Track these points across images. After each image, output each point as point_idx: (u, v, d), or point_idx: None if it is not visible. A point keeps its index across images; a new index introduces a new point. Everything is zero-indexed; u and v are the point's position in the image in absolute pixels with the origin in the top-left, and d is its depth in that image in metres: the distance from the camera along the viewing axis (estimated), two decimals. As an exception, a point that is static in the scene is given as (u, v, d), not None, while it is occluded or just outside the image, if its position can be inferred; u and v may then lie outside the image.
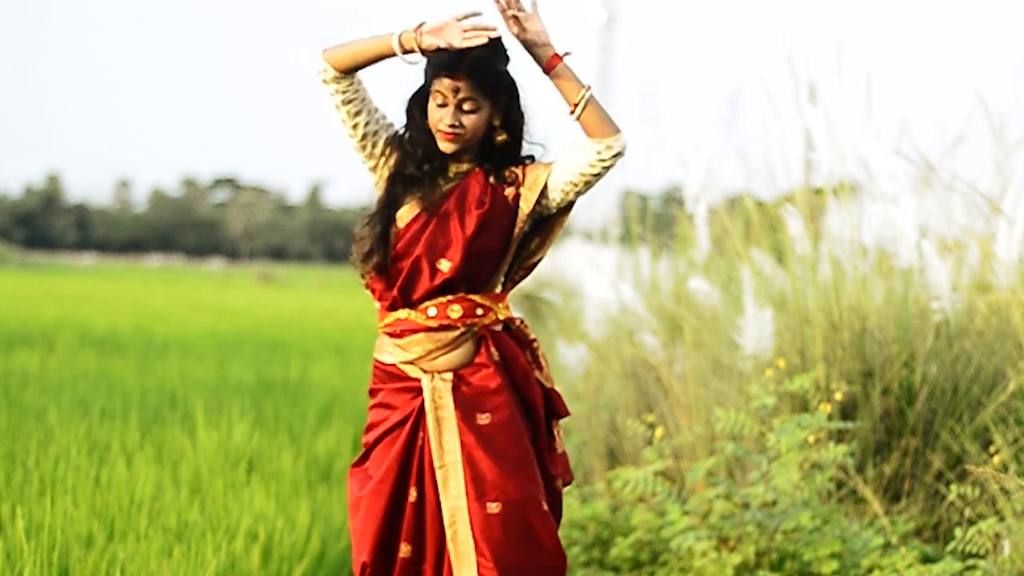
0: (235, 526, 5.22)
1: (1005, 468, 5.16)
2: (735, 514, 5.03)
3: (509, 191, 3.39)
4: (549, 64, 3.32)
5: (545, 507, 3.37)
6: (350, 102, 3.43)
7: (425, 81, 3.39)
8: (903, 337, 5.91)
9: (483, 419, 3.35)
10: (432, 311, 3.36)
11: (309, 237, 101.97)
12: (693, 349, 6.77)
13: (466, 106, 3.32)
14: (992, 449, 5.30)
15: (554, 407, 3.49)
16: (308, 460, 6.64)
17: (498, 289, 3.46)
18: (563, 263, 15.89)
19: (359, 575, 3.41)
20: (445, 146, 3.35)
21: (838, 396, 5.35)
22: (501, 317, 3.44)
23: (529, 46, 3.32)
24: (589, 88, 3.33)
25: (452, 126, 3.32)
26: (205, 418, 7.20)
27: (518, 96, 3.41)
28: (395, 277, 3.37)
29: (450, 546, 3.35)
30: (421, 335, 3.37)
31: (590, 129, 3.32)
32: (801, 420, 5.09)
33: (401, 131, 3.45)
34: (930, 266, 5.92)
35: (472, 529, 3.32)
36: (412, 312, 3.38)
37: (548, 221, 3.46)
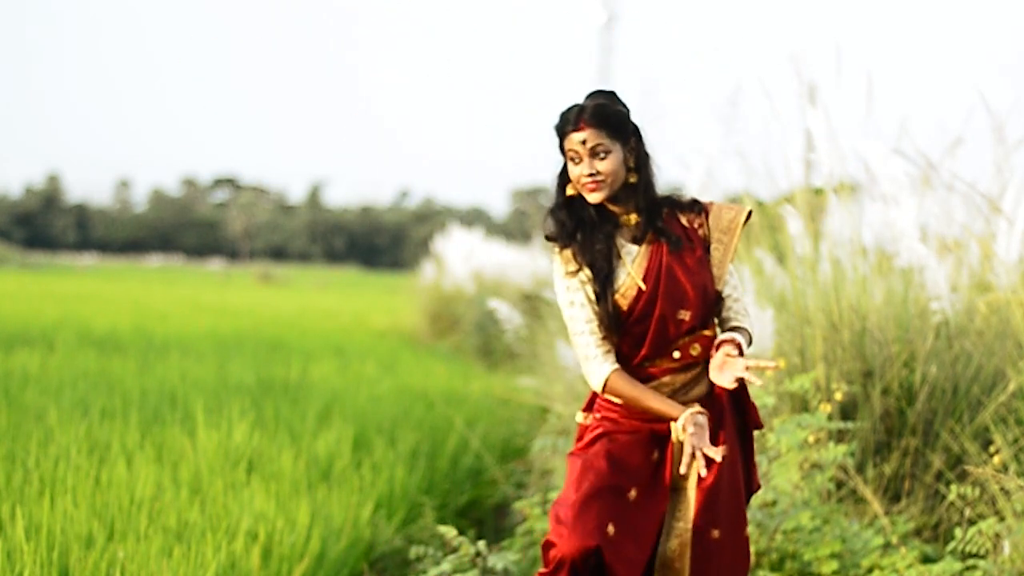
0: (235, 526, 5.22)
1: (1005, 468, 5.16)
2: (735, 514, 5.03)
3: (700, 229, 3.57)
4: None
5: (746, 532, 3.59)
6: None
7: (559, 148, 3.52)
8: (903, 337, 5.91)
9: (718, 457, 3.47)
10: (676, 354, 3.51)
11: (309, 237, 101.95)
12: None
13: (598, 151, 3.45)
14: (992, 449, 5.30)
15: (757, 420, 3.65)
16: (308, 460, 6.63)
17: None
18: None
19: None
20: (593, 196, 3.47)
21: (838, 396, 5.35)
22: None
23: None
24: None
25: (591, 175, 3.45)
26: (205, 418, 7.20)
27: (642, 138, 3.53)
28: (641, 337, 3.51)
29: (660, 559, 3.53)
30: (667, 377, 3.52)
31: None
32: (801, 420, 5.09)
33: (550, 213, 3.57)
34: (930, 266, 5.92)
35: (693, 550, 3.50)
36: (659, 359, 3.53)
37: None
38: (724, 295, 3.58)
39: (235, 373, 10.21)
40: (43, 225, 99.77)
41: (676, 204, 3.57)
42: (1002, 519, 4.84)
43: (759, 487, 3.70)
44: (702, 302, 3.50)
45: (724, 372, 3.41)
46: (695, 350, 3.51)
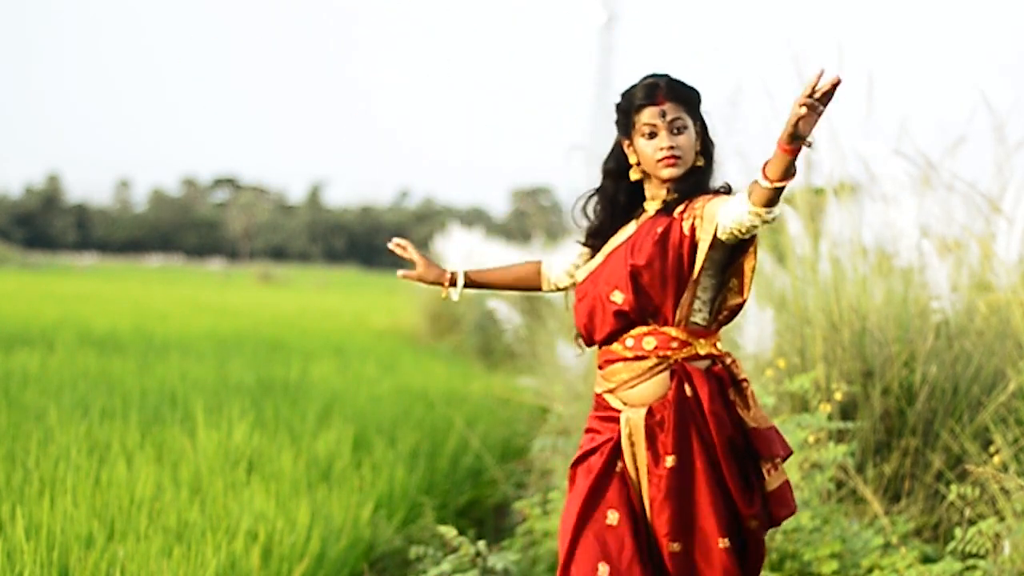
0: (235, 526, 5.22)
1: (1005, 468, 5.16)
2: (735, 514, 5.03)
3: (687, 223, 3.37)
4: (791, 148, 3.11)
5: (722, 545, 3.36)
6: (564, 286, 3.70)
7: (621, 126, 3.44)
8: (903, 337, 5.91)
9: (669, 461, 3.35)
10: (629, 342, 3.41)
11: (309, 237, 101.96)
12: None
13: (676, 126, 3.37)
14: (992, 449, 5.30)
15: (757, 447, 3.39)
16: (308, 460, 6.63)
17: (699, 323, 3.41)
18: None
19: None
20: (669, 172, 3.38)
21: (838, 396, 5.35)
22: (702, 352, 3.40)
23: (796, 128, 3.09)
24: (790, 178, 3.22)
25: (671, 147, 3.35)
26: (205, 418, 7.20)
27: (707, 125, 3.46)
28: (580, 316, 3.49)
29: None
30: (620, 364, 3.42)
31: (755, 198, 3.22)
32: (801, 420, 5.09)
33: (592, 199, 3.54)
34: (930, 266, 5.92)
35: (662, 562, 3.39)
36: (615, 344, 3.44)
37: (737, 260, 3.41)
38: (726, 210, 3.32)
39: (235, 373, 10.21)
40: (43, 225, 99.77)
41: (708, 192, 3.42)
42: (1002, 519, 4.84)
43: (788, 514, 3.43)
44: (642, 293, 3.36)
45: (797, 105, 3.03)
46: (648, 343, 3.38)
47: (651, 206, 3.46)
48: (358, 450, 7.25)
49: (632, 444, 3.39)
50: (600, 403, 3.49)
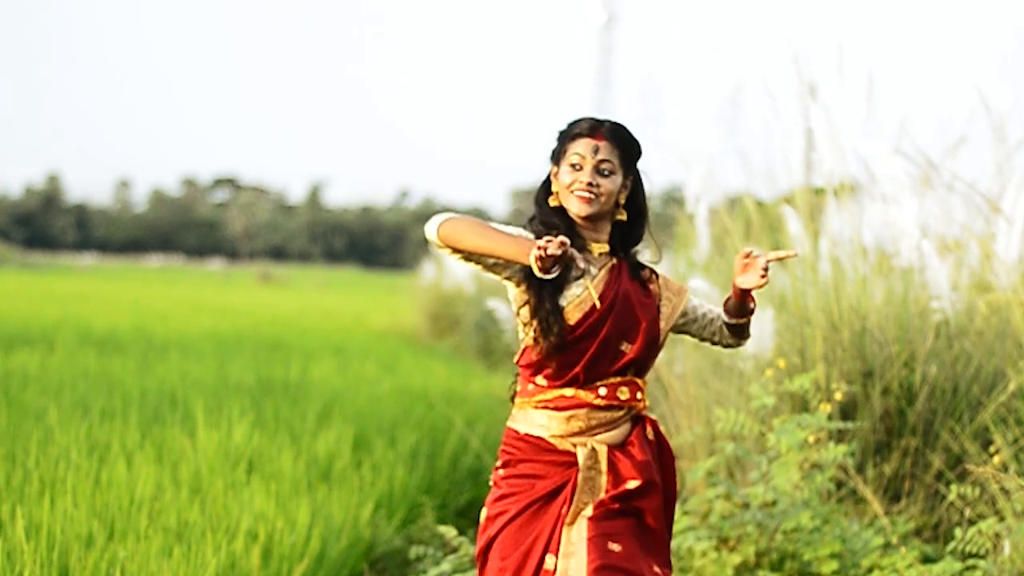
0: (235, 526, 5.22)
1: (1005, 468, 5.16)
2: (735, 514, 5.03)
3: (653, 287, 3.43)
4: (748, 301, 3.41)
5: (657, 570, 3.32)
6: (476, 264, 3.41)
7: (555, 154, 3.40)
8: (903, 337, 5.91)
9: (632, 485, 3.32)
10: (603, 391, 3.36)
11: (309, 237, 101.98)
12: (693, 349, 6.78)
13: (603, 167, 3.33)
14: (992, 449, 5.30)
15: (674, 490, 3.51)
16: (308, 460, 6.63)
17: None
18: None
19: None
20: (580, 207, 3.33)
21: (838, 396, 5.35)
22: (648, 404, 3.48)
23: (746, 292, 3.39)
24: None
25: (590, 184, 3.31)
26: (205, 418, 7.19)
27: (642, 185, 3.43)
28: (578, 355, 3.35)
29: None
30: (583, 411, 3.36)
31: (729, 336, 3.48)
32: (801, 420, 5.09)
33: (529, 223, 3.42)
34: (930, 266, 5.92)
35: None
36: (580, 390, 3.37)
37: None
38: (695, 310, 3.46)
39: (235, 373, 10.21)
40: (43, 225, 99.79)
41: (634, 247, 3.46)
42: (1002, 519, 4.84)
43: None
44: (647, 341, 3.36)
45: (748, 272, 3.29)
46: (623, 394, 3.36)
47: (595, 248, 3.40)
48: (358, 450, 7.25)
49: (589, 469, 3.32)
50: (542, 446, 3.37)
